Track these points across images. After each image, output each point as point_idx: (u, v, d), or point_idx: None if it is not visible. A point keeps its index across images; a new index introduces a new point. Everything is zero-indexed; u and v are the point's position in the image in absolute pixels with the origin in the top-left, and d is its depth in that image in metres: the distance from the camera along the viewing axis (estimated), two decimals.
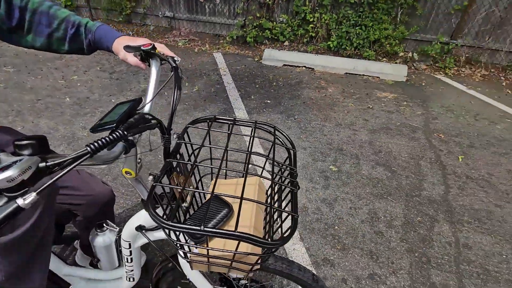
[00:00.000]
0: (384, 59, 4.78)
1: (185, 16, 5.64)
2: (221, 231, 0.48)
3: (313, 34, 5.03)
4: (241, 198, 0.53)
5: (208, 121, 0.73)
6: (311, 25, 4.96)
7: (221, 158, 0.61)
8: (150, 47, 0.74)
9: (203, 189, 0.74)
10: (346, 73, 4.37)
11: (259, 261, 0.62)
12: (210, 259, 0.62)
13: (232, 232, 0.47)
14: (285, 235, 0.53)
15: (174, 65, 0.72)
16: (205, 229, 0.48)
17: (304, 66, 4.53)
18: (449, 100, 3.66)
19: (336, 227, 1.86)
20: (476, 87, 4.02)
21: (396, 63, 4.62)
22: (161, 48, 0.78)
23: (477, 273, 1.63)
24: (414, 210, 2.02)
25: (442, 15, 4.44)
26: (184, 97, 3.40)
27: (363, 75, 4.31)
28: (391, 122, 3.13)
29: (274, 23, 5.15)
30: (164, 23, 5.91)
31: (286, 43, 5.25)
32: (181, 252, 0.65)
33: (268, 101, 3.43)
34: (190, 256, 0.64)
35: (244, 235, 0.47)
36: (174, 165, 0.69)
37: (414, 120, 3.18)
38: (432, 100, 3.64)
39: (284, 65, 4.57)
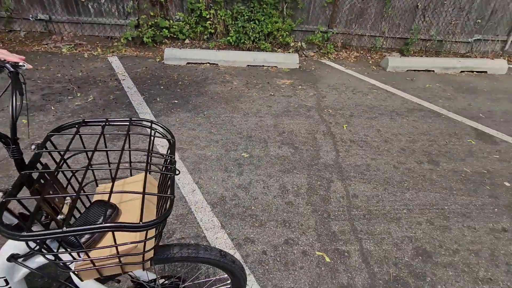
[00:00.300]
0: (279, 49, 5.27)
1: (65, 18, 4.95)
2: (86, 227, 0.48)
3: (212, 31, 5.13)
4: (110, 192, 0.55)
5: (76, 125, 0.71)
6: (209, 22, 5.04)
7: (115, 161, 0.59)
8: None
9: (87, 197, 0.73)
10: (248, 65, 4.65)
11: (149, 250, 0.64)
12: (97, 263, 0.61)
13: (99, 225, 0.49)
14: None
15: (12, 69, 0.66)
16: (67, 229, 0.47)
17: (208, 63, 4.60)
18: (333, 80, 4.32)
19: (253, 207, 2.04)
20: (351, 67, 4.85)
21: (289, 52, 5.15)
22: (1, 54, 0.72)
23: (363, 215, 2.05)
24: (314, 176, 2.37)
25: (318, 8, 5.14)
26: (77, 109, 3.05)
27: (263, 65, 4.67)
28: (290, 105, 3.51)
29: (171, 21, 5.03)
30: (39, 28, 5.05)
31: (187, 41, 5.21)
32: (69, 266, 0.62)
33: (176, 101, 3.39)
34: (74, 267, 0.62)
35: (113, 224, 0.49)
36: (36, 177, 0.65)
37: (308, 101, 3.65)
38: (321, 82, 4.23)
39: (188, 63, 4.54)
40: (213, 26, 5.09)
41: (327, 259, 1.71)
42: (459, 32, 5.41)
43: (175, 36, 5.10)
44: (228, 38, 5.09)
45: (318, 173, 2.42)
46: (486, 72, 4.86)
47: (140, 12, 4.94)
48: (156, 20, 4.91)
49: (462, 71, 4.85)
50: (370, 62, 5.16)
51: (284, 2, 5.04)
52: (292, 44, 5.31)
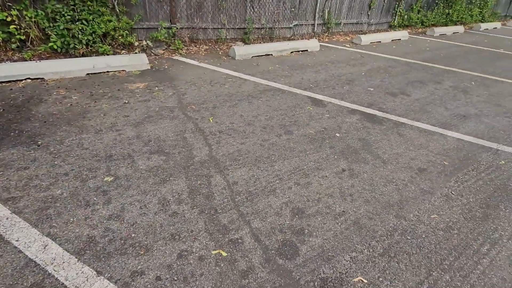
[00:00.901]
0: (123, 51, 4.74)
1: None
2: None
3: (23, 37, 4.01)
4: None
5: None
6: (13, 26, 3.89)
7: None
8: None
9: None
10: (88, 73, 3.96)
11: None
12: None
13: None
14: None
15: None
16: None
17: (29, 78, 3.61)
18: (190, 75, 4.30)
19: (133, 235, 1.80)
20: (204, 60, 4.96)
21: (136, 53, 4.72)
22: None
23: (246, 198, 2.18)
24: (193, 177, 2.33)
25: (154, 3, 4.89)
26: None
27: (107, 71, 4.09)
28: (150, 110, 3.26)
29: None
30: None
31: None
32: None
33: None
34: None
35: None
36: None
37: (169, 101, 3.50)
38: (178, 79, 4.13)
39: None
40: (22, 31, 3.98)
41: (224, 254, 1.73)
42: (282, 20, 6.46)
43: None
44: (51, 44, 4.13)
45: (196, 172, 2.38)
46: (307, 50, 6.07)
47: None
48: None
49: (291, 52, 5.86)
50: (220, 53, 5.43)
51: None
52: (136, 43, 4.88)
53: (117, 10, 4.57)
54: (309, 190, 2.31)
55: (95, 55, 4.37)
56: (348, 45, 6.93)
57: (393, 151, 2.93)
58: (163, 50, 5.06)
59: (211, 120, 3.17)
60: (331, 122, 3.37)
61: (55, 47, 4.14)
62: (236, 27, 5.86)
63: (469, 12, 11.19)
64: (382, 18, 8.78)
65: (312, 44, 6.18)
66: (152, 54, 4.90)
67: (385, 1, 8.48)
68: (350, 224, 2.03)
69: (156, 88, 3.80)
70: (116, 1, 4.52)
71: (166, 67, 4.53)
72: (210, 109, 3.42)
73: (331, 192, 2.31)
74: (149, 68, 4.38)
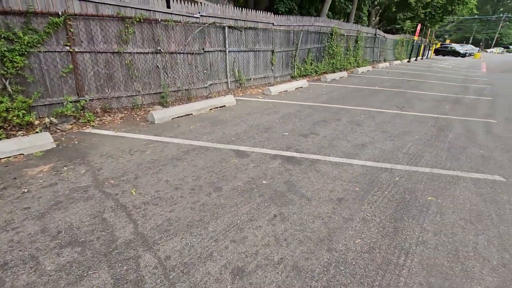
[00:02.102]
0: (21, 132, 4.20)
1: None
2: None
3: None
4: None
5: None
6: None
7: None
8: None
9: None
10: None
11: None
12: None
13: None
14: None
15: None
16: None
17: None
18: (105, 147, 4.04)
19: None
20: (121, 129, 4.78)
21: (37, 132, 4.24)
22: None
23: (182, 271, 2.03)
24: (117, 264, 2.07)
25: (57, 78, 4.63)
26: None
27: None
28: (58, 195, 2.88)
29: None
30: None
31: None
32: None
33: None
34: None
35: None
36: None
37: (81, 181, 3.16)
38: (91, 154, 3.82)
39: None
40: None
41: None
42: (197, 81, 6.88)
43: None
44: None
45: (120, 257, 2.13)
46: (225, 106, 6.51)
47: None
48: None
49: (210, 109, 6.18)
50: (138, 119, 5.34)
51: (4, 78, 4.09)
52: (37, 122, 4.41)
53: (10, 90, 4.14)
54: (246, 245, 2.31)
55: None
56: (260, 97, 7.73)
57: (314, 187, 3.23)
58: (71, 124, 4.69)
59: (134, 192, 2.98)
60: (256, 170, 3.56)
61: None
62: (152, 92, 5.95)
63: (347, 61, 14.07)
64: (284, 71, 10.23)
65: (229, 100, 6.67)
66: (58, 130, 4.47)
67: (284, 58, 10.00)
68: (290, 270, 2.07)
69: (65, 168, 3.41)
70: (7, 80, 4.11)
71: (76, 142, 4.17)
72: (132, 180, 3.23)
73: (267, 241, 2.36)
74: (55, 146, 3.95)
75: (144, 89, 5.80)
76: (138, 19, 5.31)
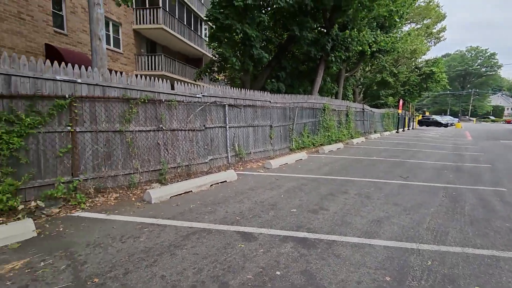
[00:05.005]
0: (1, 218, 3.76)
1: None
2: None
3: None
4: None
5: None
6: None
7: None
8: None
9: None
10: None
11: None
12: None
13: None
14: None
15: None
16: None
17: None
18: (94, 234, 3.57)
19: None
20: (113, 211, 4.36)
21: (19, 218, 3.80)
22: None
23: None
24: None
25: (52, 159, 4.44)
26: None
27: None
28: None
29: None
30: None
31: None
32: None
33: None
34: None
35: None
36: None
37: (59, 280, 2.62)
38: (76, 244, 3.33)
39: None
40: None
41: None
42: (197, 157, 6.79)
43: None
44: None
45: None
46: (225, 181, 6.26)
47: None
48: None
49: (211, 185, 5.90)
50: (133, 199, 4.97)
51: None
52: (21, 207, 4.01)
53: (0, 172, 3.89)
54: None
55: None
56: (261, 170, 7.57)
57: (338, 277, 2.73)
58: (59, 208, 4.28)
59: None
60: (267, 258, 3.08)
61: None
62: (151, 169, 5.74)
63: (342, 133, 14.64)
64: (283, 144, 10.41)
65: (230, 175, 6.46)
66: (43, 215, 4.04)
67: (282, 132, 10.30)
68: None
69: (42, 264, 2.89)
70: None
71: (61, 229, 3.70)
72: (121, 277, 2.70)
73: None
74: (36, 235, 3.47)
75: (143, 166, 5.61)
76: (143, 100, 5.50)
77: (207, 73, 14.67)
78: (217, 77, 15.88)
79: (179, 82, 6.51)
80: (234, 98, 7.98)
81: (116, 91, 5.16)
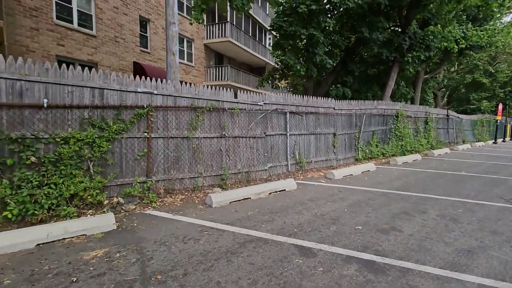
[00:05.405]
0: (90, 211, 4.40)
1: None
2: None
3: None
4: None
5: None
6: None
7: None
8: None
9: None
10: (38, 244, 3.40)
11: None
12: None
13: None
14: None
15: None
16: None
17: None
18: (160, 233, 3.85)
19: None
20: (179, 212, 4.66)
21: (104, 212, 4.39)
22: None
23: None
24: None
25: (132, 161, 5.03)
26: None
27: (63, 239, 3.57)
28: None
29: None
30: None
31: None
32: None
33: None
34: None
35: None
36: None
37: (129, 273, 2.87)
38: (146, 240, 3.64)
39: None
40: None
41: None
42: (257, 164, 6.83)
43: None
44: (6, 213, 3.75)
45: None
46: (285, 190, 6.10)
47: None
48: None
49: (270, 193, 5.83)
50: (197, 201, 5.24)
51: (90, 161, 4.58)
52: (106, 201, 4.62)
53: (92, 171, 4.57)
54: None
55: (54, 220, 3.96)
56: (323, 181, 7.17)
57: None
58: (135, 205, 4.79)
59: None
60: (327, 278, 2.80)
61: (9, 216, 3.74)
62: (213, 174, 6.00)
63: (419, 143, 12.93)
64: (347, 153, 9.72)
65: (289, 184, 6.29)
66: (122, 211, 4.57)
67: (346, 140, 9.65)
68: None
69: (117, 255, 3.22)
70: (92, 163, 4.58)
71: (135, 224, 4.11)
72: (180, 277, 2.80)
73: None
74: (115, 228, 3.93)
75: (206, 171, 5.90)
76: (208, 108, 5.82)
77: (269, 81, 14.89)
78: (279, 84, 15.99)
79: (242, 91, 6.71)
80: (296, 105, 7.82)
81: (185, 100, 5.59)
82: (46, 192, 4.05)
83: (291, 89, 20.81)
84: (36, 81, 4.02)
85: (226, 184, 6.06)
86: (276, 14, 11.46)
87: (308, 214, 4.65)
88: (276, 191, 5.98)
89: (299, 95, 8.08)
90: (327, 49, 13.23)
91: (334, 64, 13.34)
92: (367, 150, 10.47)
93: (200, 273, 2.88)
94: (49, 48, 9.46)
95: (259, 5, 21.13)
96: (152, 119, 5.16)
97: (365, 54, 15.91)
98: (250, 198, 5.48)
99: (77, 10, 10.41)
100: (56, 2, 9.67)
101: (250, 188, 5.71)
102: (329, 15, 12.24)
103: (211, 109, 5.90)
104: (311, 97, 8.48)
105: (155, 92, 5.19)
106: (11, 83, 3.85)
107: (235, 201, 5.29)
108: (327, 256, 3.26)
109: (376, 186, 6.60)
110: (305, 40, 11.13)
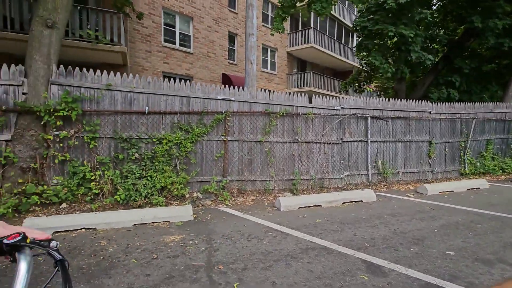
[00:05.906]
0: (175, 202, 5.09)
1: None
2: None
3: (97, 191, 4.74)
4: None
5: None
6: (93, 183, 4.71)
7: None
8: (19, 238, 0.67)
9: None
10: (135, 224, 4.15)
11: None
12: None
13: None
14: None
15: (60, 257, 0.72)
16: None
17: (84, 228, 3.92)
18: (229, 228, 4.12)
19: None
20: (248, 211, 4.88)
21: (185, 204, 5.00)
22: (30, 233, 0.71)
23: None
24: None
25: (210, 161, 5.59)
26: None
27: (153, 222, 4.24)
28: (174, 269, 2.95)
29: (45, 186, 4.50)
30: None
31: (64, 205, 4.57)
32: None
33: None
34: None
35: None
36: None
37: (197, 259, 3.18)
38: (216, 232, 3.96)
39: (55, 232, 3.76)
40: (98, 186, 4.75)
41: None
42: (332, 171, 6.50)
43: (47, 202, 4.45)
44: (116, 196, 4.73)
45: None
46: (361, 201, 5.59)
47: (4, 181, 4.32)
48: (24, 187, 4.31)
49: (343, 203, 5.45)
50: (266, 203, 5.37)
51: (177, 159, 5.32)
52: (188, 195, 5.26)
53: (178, 168, 5.29)
54: None
55: (149, 206, 4.75)
56: (411, 195, 6.23)
57: None
58: (211, 201, 5.28)
59: (236, 287, 2.62)
60: None
61: (119, 199, 4.71)
62: (284, 178, 6.04)
63: None
64: (448, 166, 8.17)
65: (367, 195, 5.73)
66: (200, 205, 5.12)
67: (447, 150, 8.13)
68: None
69: (191, 242, 3.62)
70: (178, 161, 5.32)
71: (209, 218, 4.52)
72: (239, 271, 2.93)
73: None
74: (192, 219, 4.43)
75: (278, 175, 5.99)
76: (281, 114, 5.94)
77: (353, 85, 14.01)
78: (366, 88, 14.83)
79: (318, 95, 6.56)
80: (379, 110, 7.11)
81: (260, 106, 5.86)
82: (144, 183, 4.92)
83: (381, 93, 18.99)
84: (140, 92, 4.99)
85: (297, 190, 6.00)
86: (359, 14, 10.77)
87: (385, 230, 4.13)
88: (351, 201, 5.54)
89: (383, 99, 7.32)
90: (425, 45, 11.52)
91: (436, 60, 11.50)
92: (478, 164, 8.55)
93: (258, 271, 2.95)
94: (157, 66, 11.52)
95: (346, 6, 20.29)
96: (229, 123, 5.62)
97: (479, 48, 13.12)
98: (320, 205, 5.26)
99: (179, 32, 12.35)
100: (164, 28, 11.73)
101: (321, 195, 5.48)
102: (426, 7, 10.69)
103: (285, 114, 5.99)
104: (399, 100, 7.56)
105: (233, 98, 5.65)
106: (124, 95, 4.90)
107: (304, 207, 5.17)
108: (400, 278, 2.82)
109: (486, 208, 5.31)
110: (395, 38, 10.04)
